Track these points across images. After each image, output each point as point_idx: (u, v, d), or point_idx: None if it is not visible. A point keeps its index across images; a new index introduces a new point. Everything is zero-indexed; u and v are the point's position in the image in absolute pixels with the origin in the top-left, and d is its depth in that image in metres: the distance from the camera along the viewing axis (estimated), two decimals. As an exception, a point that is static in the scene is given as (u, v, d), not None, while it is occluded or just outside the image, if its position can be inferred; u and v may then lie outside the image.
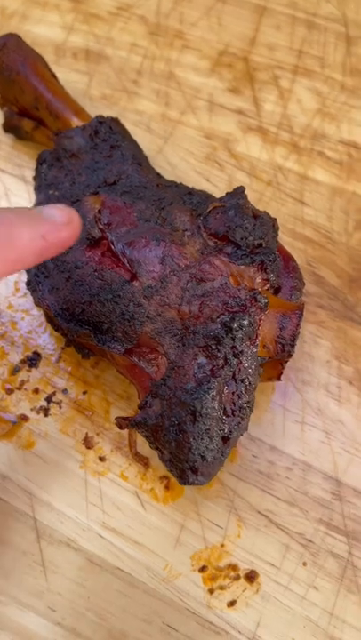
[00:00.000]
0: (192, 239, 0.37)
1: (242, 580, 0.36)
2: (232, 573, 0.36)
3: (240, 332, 0.34)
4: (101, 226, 0.38)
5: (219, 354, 0.33)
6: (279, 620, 0.35)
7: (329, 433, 0.39)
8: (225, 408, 0.33)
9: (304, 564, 0.36)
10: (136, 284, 0.36)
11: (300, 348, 0.41)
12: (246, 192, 0.46)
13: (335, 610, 0.35)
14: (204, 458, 0.33)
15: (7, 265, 0.28)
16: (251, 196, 0.47)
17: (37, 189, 0.43)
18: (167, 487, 0.38)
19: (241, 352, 0.34)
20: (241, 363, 0.34)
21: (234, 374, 0.34)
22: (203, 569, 0.36)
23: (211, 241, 0.36)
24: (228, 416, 0.33)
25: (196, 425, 0.32)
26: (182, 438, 0.33)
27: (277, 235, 0.38)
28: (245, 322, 0.34)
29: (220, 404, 0.33)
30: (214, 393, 0.33)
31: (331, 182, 0.47)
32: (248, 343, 0.34)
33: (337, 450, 0.38)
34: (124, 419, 0.36)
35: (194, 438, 0.32)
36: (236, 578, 0.36)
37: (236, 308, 0.34)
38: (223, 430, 0.33)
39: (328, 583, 0.35)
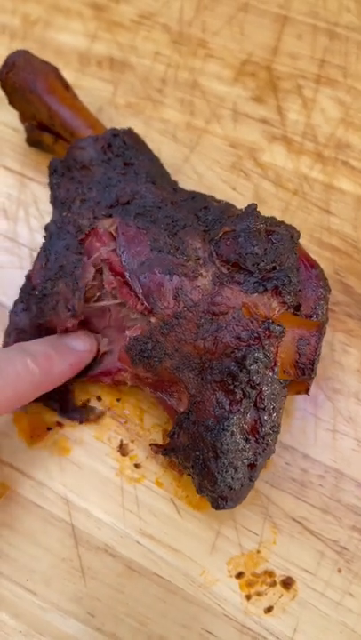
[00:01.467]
0: (204, 267, 0.36)
1: (278, 587, 0.36)
2: (268, 580, 0.36)
3: (255, 365, 0.33)
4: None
5: (236, 389, 0.33)
6: (316, 626, 0.36)
7: (360, 441, 0.40)
8: (247, 438, 0.33)
9: (339, 570, 0.37)
10: (153, 319, 0.36)
11: (330, 357, 0.42)
12: (272, 202, 0.47)
13: (371, 615, 0.36)
14: (231, 488, 0.33)
15: (41, 390, 0.36)
16: (277, 206, 0.47)
17: (53, 203, 0.43)
18: (196, 490, 0.38)
19: (259, 383, 0.33)
20: (261, 391, 0.33)
21: (255, 403, 0.34)
22: (239, 575, 0.37)
23: (224, 267, 0.36)
24: (251, 444, 0.34)
25: (218, 461, 0.33)
26: (207, 472, 0.33)
27: (297, 244, 0.37)
28: (260, 355, 0.33)
29: (243, 436, 0.33)
30: (234, 428, 0.33)
31: (356, 192, 0.48)
32: (266, 372, 0.34)
33: (368, 457, 0.39)
34: (158, 446, 0.37)
35: (218, 473, 0.33)
36: (273, 584, 0.36)
37: (250, 342, 0.34)
38: (249, 459, 0.34)
39: (363, 589, 0.36)
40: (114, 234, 0.38)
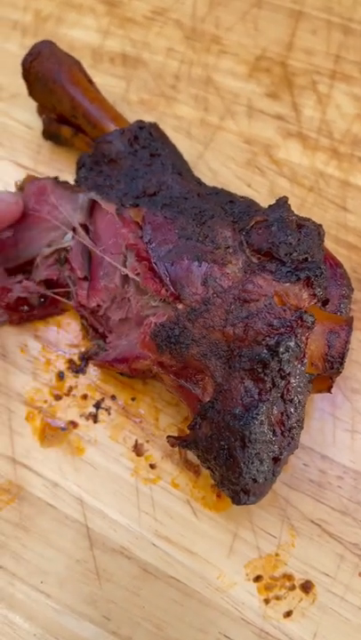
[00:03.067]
0: (235, 256, 0.36)
1: (297, 590, 0.36)
2: (287, 583, 0.36)
3: (287, 354, 0.33)
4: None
5: (266, 377, 0.33)
6: (336, 630, 0.35)
7: (380, 441, 0.39)
8: (274, 430, 0.33)
9: (360, 574, 0.36)
10: (180, 306, 0.36)
11: (348, 356, 0.41)
12: (289, 198, 0.47)
13: (393, 620, 0.35)
14: (255, 480, 0.33)
15: None
16: (293, 202, 0.47)
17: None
18: (219, 495, 0.38)
19: (289, 373, 0.33)
20: (289, 383, 0.33)
21: (282, 395, 0.33)
22: (258, 578, 0.36)
23: (254, 257, 0.35)
24: (277, 437, 0.33)
25: (245, 450, 0.32)
26: (232, 463, 0.33)
27: (323, 242, 0.37)
28: (292, 343, 0.33)
29: (270, 427, 0.33)
30: (263, 418, 0.32)
31: (373, 189, 0.47)
32: (296, 362, 0.33)
33: (388, 458, 0.38)
34: (176, 438, 0.36)
35: (244, 463, 0.32)
36: (292, 588, 0.36)
37: (282, 330, 0.33)
38: (274, 452, 0.33)
39: (384, 593, 0.35)
40: (140, 223, 0.38)
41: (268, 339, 0.33)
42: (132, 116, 0.50)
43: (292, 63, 0.52)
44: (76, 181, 0.44)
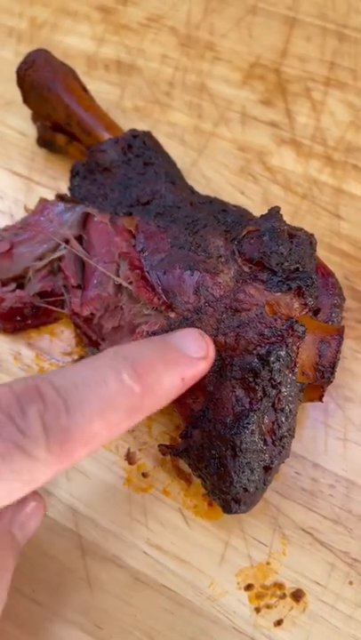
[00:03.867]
0: (226, 265, 0.36)
1: (288, 599, 0.36)
2: (278, 592, 0.36)
3: (277, 363, 0.33)
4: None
5: (257, 386, 0.33)
6: (327, 639, 0.35)
7: (371, 450, 0.39)
8: (265, 439, 0.33)
9: (350, 583, 0.36)
10: (172, 314, 0.36)
11: (340, 365, 0.41)
12: (282, 206, 0.47)
13: (383, 629, 0.35)
14: (246, 489, 0.33)
15: (142, 415, 0.26)
16: (286, 210, 0.47)
17: (72, 200, 0.43)
18: (210, 504, 0.38)
19: (280, 382, 0.33)
20: (280, 392, 0.33)
21: (273, 404, 0.33)
22: (249, 587, 0.36)
23: (246, 266, 0.35)
24: (268, 446, 0.33)
25: (236, 459, 0.33)
26: (223, 472, 0.33)
27: (315, 251, 0.37)
28: (283, 353, 0.33)
29: (261, 436, 0.33)
30: (254, 427, 0.33)
31: (366, 196, 0.47)
32: (287, 372, 0.33)
33: (380, 467, 0.38)
34: (168, 447, 0.36)
35: (235, 472, 0.33)
36: (283, 596, 0.36)
37: (273, 339, 0.33)
38: (265, 460, 0.33)
39: (375, 602, 0.36)
40: (133, 232, 0.39)
41: (259, 348, 0.34)
42: (126, 122, 0.50)
43: (287, 70, 0.53)
44: (69, 189, 0.44)
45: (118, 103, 0.52)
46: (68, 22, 0.55)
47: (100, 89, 0.52)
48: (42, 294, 0.41)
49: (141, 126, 0.50)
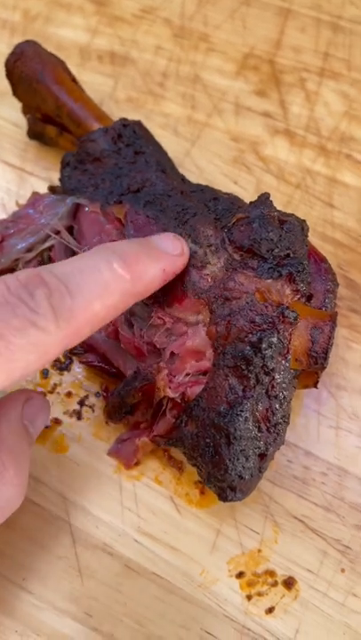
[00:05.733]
0: (216, 255, 0.35)
1: (280, 587, 0.35)
2: (270, 579, 0.36)
3: (269, 350, 0.33)
4: None
5: (250, 374, 0.33)
6: (318, 627, 0.35)
7: (364, 438, 0.39)
8: (259, 426, 0.33)
9: (342, 570, 0.36)
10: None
11: (333, 353, 0.41)
12: (275, 195, 0.47)
13: (375, 616, 0.35)
14: (241, 477, 0.33)
15: (134, 298, 0.30)
16: (279, 199, 0.47)
17: (63, 192, 0.43)
18: (202, 492, 0.38)
19: (273, 369, 0.33)
20: (274, 379, 0.33)
21: (267, 391, 0.33)
22: (240, 575, 0.36)
23: (236, 254, 0.35)
24: (263, 433, 0.33)
25: (231, 447, 0.32)
26: (218, 460, 0.33)
27: (307, 237, 0.37)
28: (274, 339, 0.33)
29: (255, 423, 0.33)
30: (247, 414, 0.33)
31: (359, 185, 0.47)
32: (280, 358, 0.33)
33: (372, 455, 0.38)
34: (162, 436, 0.36)
35: (230, 460, 0.32)
36: (274, 584, 0.36)
37: (264, 326, 0.33)
38: (259, 448, 0.33)
39: (367, 589, 0.35)
40: (123, 220, 0.38)
41: (250, 335, 0.33)
42: (119, 113, 0.50)
43: (281, 61, 0.52)
44: (60, 180, 0.43)
45: (112, 94, 0.52)
46: (61, 14, 0.55)
47: (94, 80, 0.52)
48: None
49: (135, 117, 0.49)
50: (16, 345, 0.25)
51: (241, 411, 0.32)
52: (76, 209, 0.41)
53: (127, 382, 0.36)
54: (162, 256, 0.32)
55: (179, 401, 0.35)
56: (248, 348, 0.33)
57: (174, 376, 0.36)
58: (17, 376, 0.25)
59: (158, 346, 0.36)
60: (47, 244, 0.41)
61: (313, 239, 0.45)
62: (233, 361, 0.33)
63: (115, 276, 0.29)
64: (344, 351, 0.41)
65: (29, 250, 0.41)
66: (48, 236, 0.41)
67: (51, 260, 0.41)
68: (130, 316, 0.37)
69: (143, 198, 0.39)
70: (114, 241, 0.38)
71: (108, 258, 0.29)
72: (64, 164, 0.43)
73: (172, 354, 0.36)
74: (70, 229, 0.41)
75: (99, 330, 0.34)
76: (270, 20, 0.54)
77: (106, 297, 0.28)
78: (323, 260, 0.38)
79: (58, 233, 0.41)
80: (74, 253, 0.41)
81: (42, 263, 0.41)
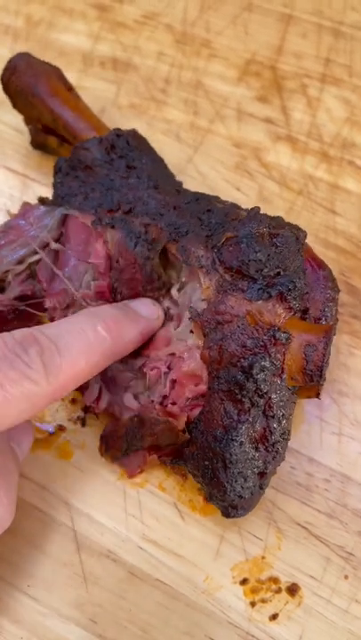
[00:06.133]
0: (208, 277, 0.35)
1: (283, 593, 0.36)
2: (273, 586, 0.36)
3: (262, 374, 0.33)
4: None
5: (244, 398, 0.33)
6: (322, 633, 0.35)
7: (367, 444, 0.39)
8: (257, 447, 0.33)
9: (346, 577, 0.36)
10: None
11: (335, 359, 0.41)
12: (277, 202, 0.47)
13: (378, 623, 0.35)
14: (241, 496, 0.33)
15: (114, 357, 0.34)
16: (282, 206, 0.47)
17: (53, 200, 0.43)
18: (206, 499, 0.38)
19: (267, 391, 0.33)
20: (270, 399, 0.33)
21: (264, 411, 0.33)
22: (244, 581, 0.36)
23: (227, 275, 0.35)
24: (261, 453, 0.33)
25: (227, 471, 0.33)
26: (217, 482, 0.33)
27: (303, 245, 0.36)
28: (267, 363, 0.33)
29: (252, 445, 0.33)
30: (243, 439, 0.33)
31: (362, 192, 0.47)
32: (274, 379, 0.33)
33: (375, 461, 0.38)
34: (167, 455, 0.37)
35: (228, 482, 0.33)
36: (278, 591, 0.36)
37: (256, 350, 0.33)
38: (258, 467, 0.33)
39: (370, 596, 0.35)
40: (110, 251, 0.38)
41: (242, 360, 0.33)
42: (122, 120, 0.51)
43: (282, 67, 0.53)
44: (53, 185, 0.43)
45: (114, 100, 0.52)
46: (64, 20, 0.55)
47: (96, 86, 0.52)
48: (22, 297, 0.41)
49: (137, 123, 0.50)
50: (12, 395, 0.28)
51: (236, 436, 0.33)
52: (65, 218, 0.41)
53: (132, 429, 0.36)
54: (140, 320, 0.36)
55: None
56: (240, 373, 0.33)
57: (175, 403, 0.36)
58: (8, 424, 0.28)
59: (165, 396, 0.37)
60: (35, 258, 0.41)
61: (315, 246, 0.45)
62: (227, 385, 0.33)
63: (98, 338, 0.32)
64: (346, 357, 0.41)
65: (20, 262, 0.41)
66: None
67: (36, 274, 0.41)
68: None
69: (137, 221, 0.38)
70: (99, 274, 0.39)
71: (93, 321, 0.33)
72: (56, 170, 0.43)
73: (173, 381, 0.36)
74: (60, 237, 0.41)
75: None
76: (272, 25, 0.54)
77: (90, 355, 0.31)
78: (322, 266, 0.38)
79: (46, 246, 0.41)
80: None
81: (31, 276, 0.41)
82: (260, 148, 0.49)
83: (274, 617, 0.35)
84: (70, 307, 0.39)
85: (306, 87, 0.52)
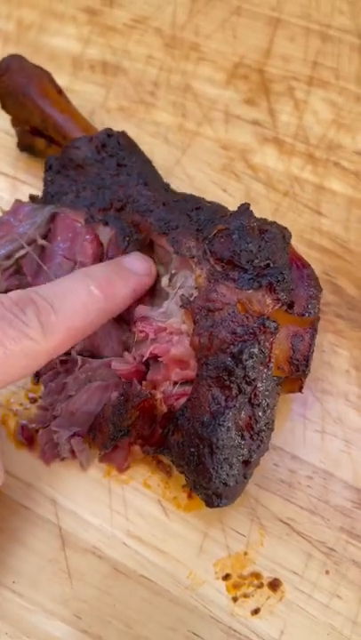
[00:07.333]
0: (199, 266, 0.36)
1: (265, 588, 0.36)
2: (256, 581, 0.36)
3: (250, 360, 0.33)
4: None
5: (232, 384, 0.33)
6: (303, 628, 0.35)
7: (349, 442, 0.39)
8: (243, 434, 0.34)
9: (327, 572, 0.36)
10: None
11: (319, 358, 0.41)
12: (263, 203, 0.47)
13: (359, 618, 0.35)
14: (226, 484, 0.34)
15: (108, 315, 0.35)
16: (268, 207, 0.47)
17: (43, 199, 0.43)
18: (190, 496, 0.38)
19: (255, 378, 0.34)
20: (256, 387, 0.34)
21: (250, 399, 0.34)
22: (226, 577, 0.36)
23: (218, 265, 0.36)
24: (246, 440, 0.34)
25: (213, 456, 0.33)
26: (202, 469, 0.34)
27: (289, 244, 0.37)
28: (256, 350, 0.34)
29: (238, 432, 0.34)
30: (230, 424, 0.33)
31: (347, 193, 0.48)
32: (261, 367, 0.34)
33: (357, 459, 0.39)
34: (150, 445, 0.37)
35: (213, 469, 0.33)
36: (260, 586, 0.36)
37: (246, 337, 0.34)
38: (243, 455, 0.34)
39: (351, 592, 0.36)
40: (104, 246, 0.39)
41: (232, 347, 0.34)
42: (111, 122, 0.51)
43: (270, 70, 0.53)
44: (44, 183, 0.44)
45: (103, 104, 0.52)
46: (54, 24, 0.56)
47: (86, 90, 0.53)
48: (9, 292, 0.41)
49: (126, 126, 0.50)
50: (12, 351, 0.29)
51: (223, 421, 0.33)
52: (54, 216, 0.42)
53: (117, 407, 0.36)
54: (131, 277, 0.37)
55: (166, 411, 0.36)
56: (230, 358, 0.34)
57: (160, 384, 0.36)
58: (11, 379, 0.30)
59: (145, 358, 0.37)
60: (22, 253, 0.41)
61: (300, 246, 0.45)
62: (215, 372, 0.34)
63: (91, 297, 0.34)
64: (330, 356, 0.42)
65: (8, 257, 0.42)
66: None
67: (20, 267, 0.41)
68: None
69: (128, 218, 0.39)
70: (85, 261, 0.39)
71: (86, 281, 0.34)
72: (47, 167, 0.44)
73: (157, 361, 0.37)
74: (47, 234, 0.42)
75: None
76: (260, 29, 0.55)
77: (85, 314, 0.33)
78: (306, 265, 0.39)
79: (33, 242, 0.41)
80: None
81: (18, 272, 0.42)
82: (247, 150, 0.50)
83: (256, 612, 0.36)
84: None
85: (293, 90, 0.52)
